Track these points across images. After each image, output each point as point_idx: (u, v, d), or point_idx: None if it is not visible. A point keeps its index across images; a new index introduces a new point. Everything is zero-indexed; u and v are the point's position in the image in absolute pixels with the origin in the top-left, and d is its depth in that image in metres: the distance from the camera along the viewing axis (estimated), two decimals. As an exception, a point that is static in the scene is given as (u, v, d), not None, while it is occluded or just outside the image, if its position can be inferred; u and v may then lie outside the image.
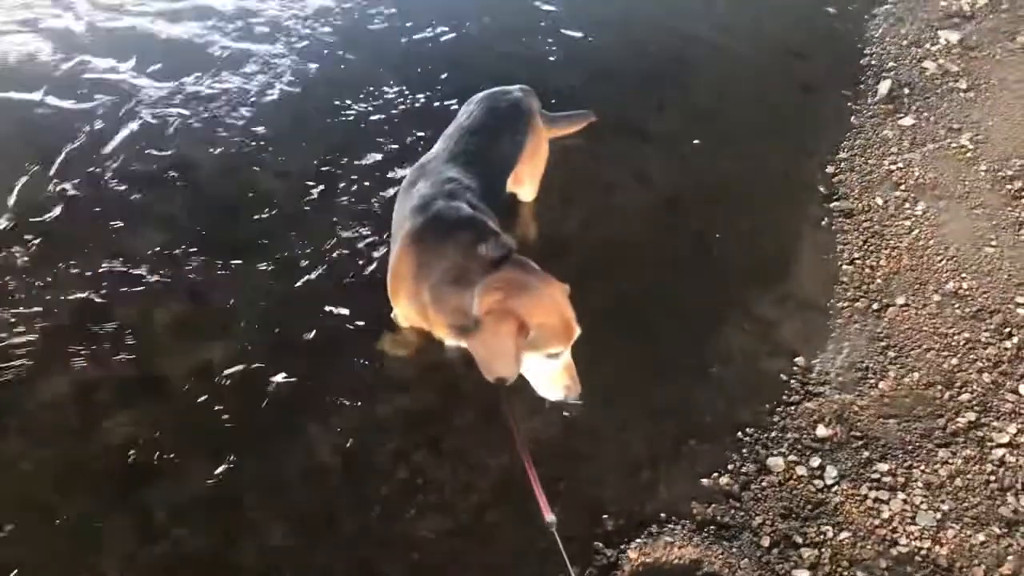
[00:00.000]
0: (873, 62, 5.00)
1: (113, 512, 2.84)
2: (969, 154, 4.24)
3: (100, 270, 3.55)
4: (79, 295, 3.45)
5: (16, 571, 2.67)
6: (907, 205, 4.00)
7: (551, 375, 2.54)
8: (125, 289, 3.50)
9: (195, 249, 3.67)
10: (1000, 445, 3.00)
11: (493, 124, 3.21)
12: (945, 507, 2.83)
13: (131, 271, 3.57)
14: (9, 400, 3.10)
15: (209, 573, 2.71)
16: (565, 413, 3.05)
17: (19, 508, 2.84)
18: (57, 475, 2.92)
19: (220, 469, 2.96)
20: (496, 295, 2.42)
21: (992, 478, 2.91)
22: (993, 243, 3.75)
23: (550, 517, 2.35)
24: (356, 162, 4.16)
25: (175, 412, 3.12)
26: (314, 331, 3.39)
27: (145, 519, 2.82)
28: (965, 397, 3.17)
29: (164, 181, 4.00)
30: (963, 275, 3.63)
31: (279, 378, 3.22)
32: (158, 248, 3.66)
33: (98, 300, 3.45)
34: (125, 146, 4.16)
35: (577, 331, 2.49)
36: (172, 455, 2.99)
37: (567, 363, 2.53)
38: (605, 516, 2.86)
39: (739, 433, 3.12)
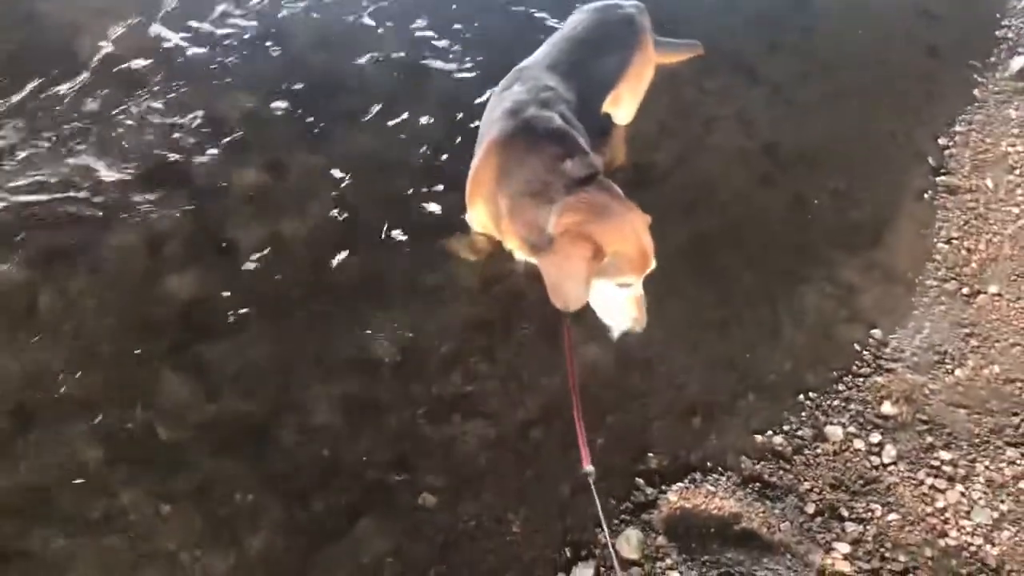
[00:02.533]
0: (1010, 35, 4.69)
1: (169, 362, 2.88)
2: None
3: (185, 125, 3.54)
4: (158, 149, 3.46)
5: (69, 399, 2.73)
6: (1019, 192, 3.78)
7: (619, 304, 2.46)
8: (207, 148, 3.49)
9: (281, 119, 3.64)
10: (1073, 455, 2.86)
11: (600, 37, 3.07)
12: (1004, 507, 2.71)
13: (215, 132, 3.56)
14: (82, 240, 3.13)
15: (250, 438, 2.73)
16: (623, 345, 2.96)
17: (76, 340, 2.89)
18: (120, 318, 2.96)
19: (276, 341, 2.97)
20: (575, 215, 2.33)
21: (1059, 486, 2.79)
22: (1102, 245, 3.54)
23: (589, 467, 2.30)
24: (451, 56, 4.06)
25: (240, 277, 3.13)
26: (386, 221, 3.35)
27: (198, 375, 2.86)
28: (1044, 400, 3.02)
29: (261, 48, 3.95)
30: (1065, 273, 3.43)
31: (348, 262, 3.21)
32: (245, 113, 3.64)
33: (176, 157, 3.45)
34: (227, 8, 4.11)
35: (652, 264, 2.40)
36: (231, 319, 3.00)
37: (637, 294, 2.44)
38: (650, 455, 2.81)
39: (801, 396, 3.02)
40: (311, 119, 3.70)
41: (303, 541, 2.52)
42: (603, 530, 2.30)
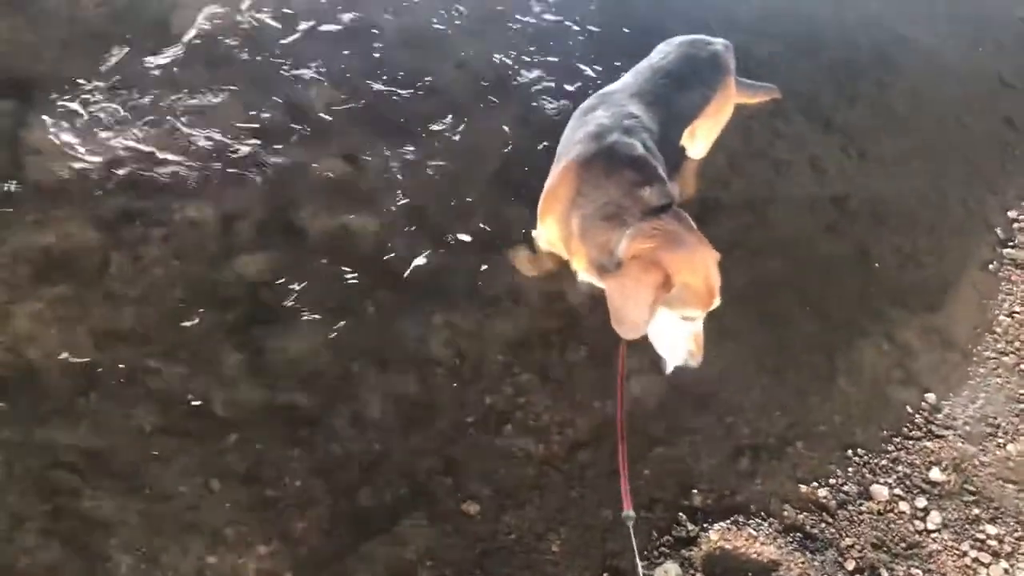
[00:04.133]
0: (1087, 115, 4.66)
1: (232, 340, 2.90)
2: None
3: (267, 108, 3.59)
4: (238, 129, 3.50)
5: (130, 366, 2.77)
6: (1084, 274, 3.75)
7: (678, 337, 2.46)
8: (286, 134, 3.53)
9: (362, 113, 3.68)
10: (1120, 546, 2.83)
11: (687, 71, 3.08)
12: (1047, 590, 2.70)
13: (295, 118, 3.60)
14: (158, 207, 3.17)
15: (303, 425, 2.75)
16: (677, 378, 2.95)
17: (143, 307, 2.93)
18: (188, 290, 2.99)
19: (336, 330, 3.00)
20: (648, 242, 2.34)
21: (1104, 576, 2.75)
22: None
23: (629, 512, 2.29)
24: (534, 69, 4.09)
25: (307, 265, 3.15)
26: (455, 225, 3.38)
27: (258, 356, 2.88)
28: (1095, 486, 2.99)
29: (348, 41, 4.00)
30: (1125, 362, 3.39)
31: (413, 260, 3.23)
32: (327, 103, 3.68)
33: (255, 139, 3.49)
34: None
35: (718, 301, 2.40)
36: (295, 304, 3.03)
37: (698, 330, 2.45)
38: (695, 491, 2.81)
39: (849, 451, 3.01)
40: (392, 116, 3.72)
41: (345, 531, 2.54)
42: (639, 564, 2.28)
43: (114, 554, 2.37)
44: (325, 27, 4.04)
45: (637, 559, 2.24)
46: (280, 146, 3.49)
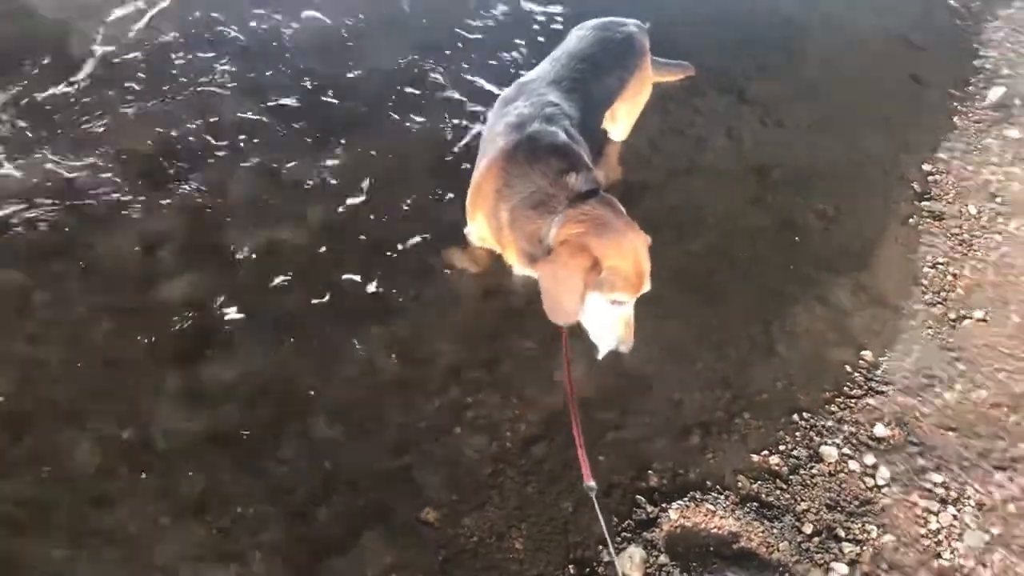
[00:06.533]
0: (988, 66, 4.81)
1: (166, 370, 2.82)
2: (1073, 179, 4.08)
3: (183, 127, 3.49)
4: (156, 150, 3.41)
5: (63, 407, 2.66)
6: (1000, 219, 3.87)
7: (609, 322, 2.47)
8: (205, 152, 3.45)
9: (280, 125, 3.60)
10: (1060, 479, 2.94)
11: (602, 55, 3.09)
12: (995, 531, 2.77)
13: (214, 135, 3.51)
14: (77, 240, 3.06)
15: (251, 450, 2.69)
16: (623, 362, 2.96)
17: (71, 345, 2.83)
18: (116, 322, 2.89)
19: (275, 351, 2.94)
20: (576, 227, 2.34)
21: (1047, 511, 2.85)
22: (1084, 273, 3.64)
23: (591, 483, 2.29)
24: (447, 63, 4.06)
25: (238, 285, 3.09)
26: (386, 231, 3.33)
27: (193, 384, 2.80)
28: (1029, 425, 3.10)
29: (257, 53, 3.91)
30: (1047, 301, 3.51)
31: (347, 270, 3.18)
32: (239, 116, 3.59)
33: (174, 159, 3.39)
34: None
35: (647, 285, 2.42)
36: (229, 328, 2.96)
37: (628, 314, 2.46)
38: (650, 472, 2.82)
39: (795, 416, 3.05)
40: (311, 126, 3.66)
41: (305, 554, 2.49)
42: (606, 547, 2.28)
43: (65, 607, 2.29)
44: (231, 40, 3.94)
45: (605, 530, 2.23)
46: (195, 164, 3.40)
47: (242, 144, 3.51)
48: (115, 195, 3.23)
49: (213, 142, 3.49)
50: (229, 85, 3.75)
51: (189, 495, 2.55)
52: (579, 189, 2.44)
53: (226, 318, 2.98)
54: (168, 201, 3.25)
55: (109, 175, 3.28)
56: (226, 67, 3.83)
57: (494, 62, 4.17)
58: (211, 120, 3.56)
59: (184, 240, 3.15)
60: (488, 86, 4.02)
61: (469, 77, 4.08)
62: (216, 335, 2.93)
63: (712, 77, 4.29)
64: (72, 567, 2.35)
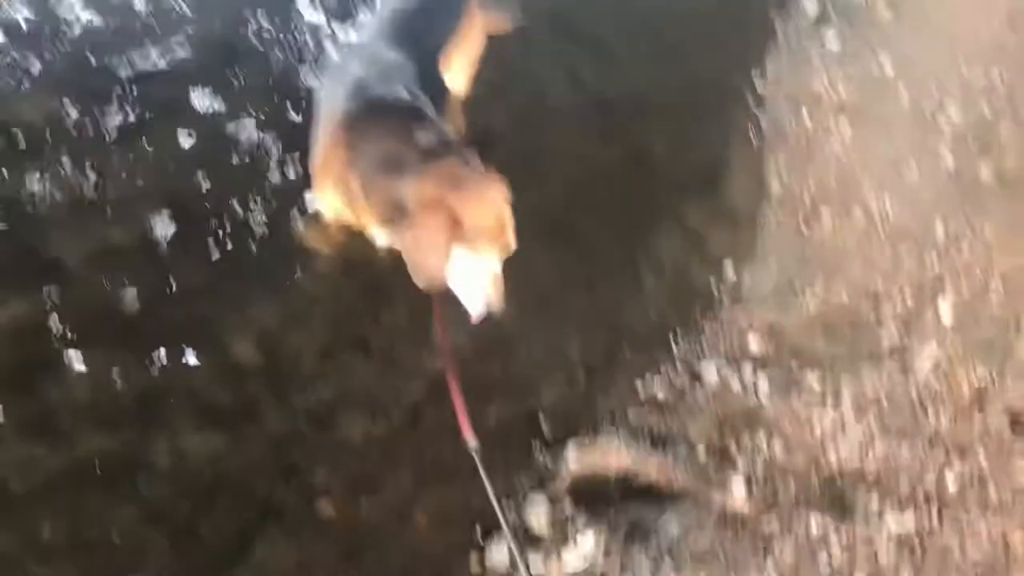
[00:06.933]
0: (803, -20, 4.94)
1: (4, 403, 2.57)
2: (892, 81, 4.26)
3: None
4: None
5: None
6: (832, 126, 4.01)
7: (477, 281, 2.41)
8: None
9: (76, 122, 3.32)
10: (922, 364, 3.08)
11: (429, 5, 2.97)
12: (873, 424, 2.89)
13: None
14: None
15: (119, 472, 2.49)
16: (496, 321, 2.91)
17: None
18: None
19: (121, 362, 2.71)
20: (431, 186, 2.25)
21: (915, 395, 2.99)
22: (914, 168, 3.81)
23: (473, 442, 2.21)
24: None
25: (70, 298, 2.83)
26: (225, 219, 3.13)
27: (42, 412, 2.56)
28: (889, 317, 3.23)
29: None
30: (886, 198, 3.67)
31: (191, 266, 2.97)
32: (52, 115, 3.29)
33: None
34: None
35: (511, 240, 2.36)
36: (66, 346, 2.71)
37: (495, 272, 2.40)
38: (541, 423, 2.79)
39: (672, 344, 3.09)
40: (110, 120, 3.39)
41: (199, 572, 2.33)
42: (498, 508, 2.19)
43: None
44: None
45: (489, 489, 2.13)
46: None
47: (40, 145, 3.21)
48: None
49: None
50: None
51: (59, 535, 2.34)
52: (430, 145, 2.34)
53: (61, 336, 2.73)
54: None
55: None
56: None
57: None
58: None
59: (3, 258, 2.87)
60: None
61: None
62: (53, 355, 2.69)
63: (544, 18, 4.22)
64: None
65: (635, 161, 3.75)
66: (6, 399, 2.57)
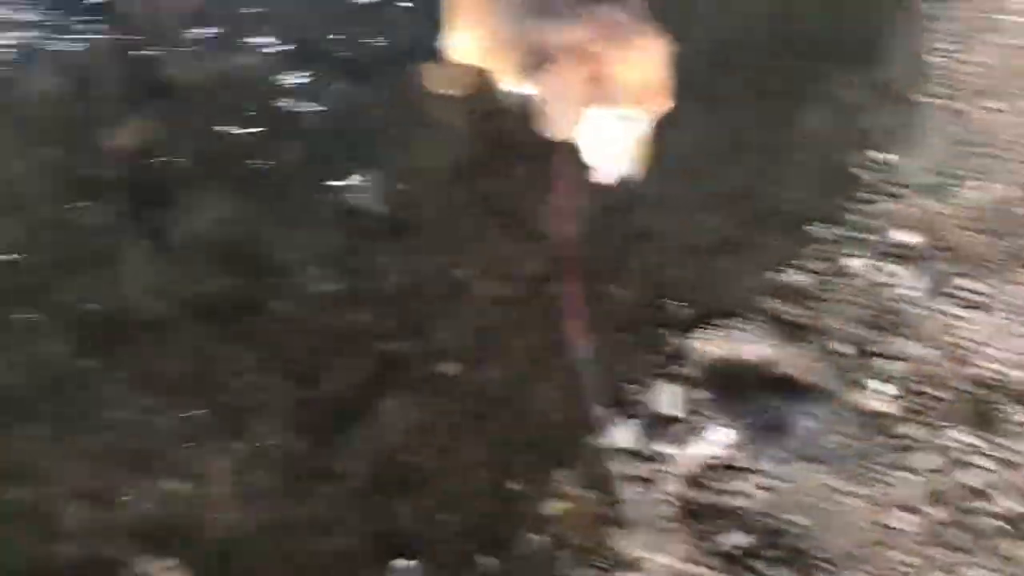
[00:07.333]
0: None
1: (127, 229, 2.52)
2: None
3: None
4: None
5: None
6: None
7: (615, 141, 2.22)
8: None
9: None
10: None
11: None
12: (1027, 333, 2.69)
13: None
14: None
15: (240, 312, 2.42)
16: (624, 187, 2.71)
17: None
18: (58, 179, 2.53)
19: (241, 196, 2.64)
20: (581, 33, 2.06)
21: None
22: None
23: (583, 348, 2.09)
24: None
25: (186, 129, 2.72)
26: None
27: (163, 243, 2.50)
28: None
29: None
30: (1059, 85, 3.33)
31: (312, 100, 2.82)
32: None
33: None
34: None
35: (668, 100, 2.15)
36: (185, 173, 2.62)
37: (642, 134, 2.21)
38: (671, 302, 2.64)
39: (814, 228, 2.87)
40: None
41: (319, 422, 2.26)
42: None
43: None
44: None
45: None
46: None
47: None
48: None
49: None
50: None
51: (180, 369, 2.29)
52: None
53: (178, 167, 2.66)
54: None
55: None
56: None
57: None
58: None
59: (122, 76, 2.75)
60: None
61: None
62: (169, 188, 2.62)
63: None
64: (63, 454, 2.08)
65: (782, 22, 3.44)
66: (128, 224, 2.48)
